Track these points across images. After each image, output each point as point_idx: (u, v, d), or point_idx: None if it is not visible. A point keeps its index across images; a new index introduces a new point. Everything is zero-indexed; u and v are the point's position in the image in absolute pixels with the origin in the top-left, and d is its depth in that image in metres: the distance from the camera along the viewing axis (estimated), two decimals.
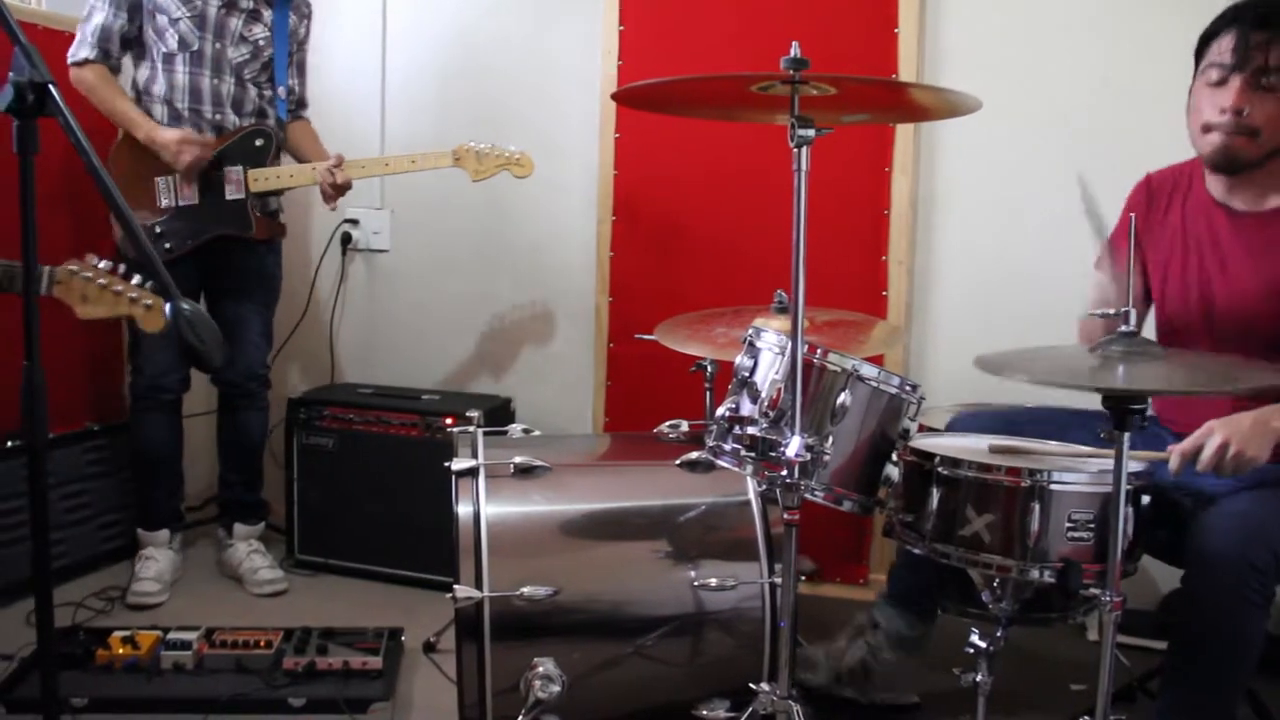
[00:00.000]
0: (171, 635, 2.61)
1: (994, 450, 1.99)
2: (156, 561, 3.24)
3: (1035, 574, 1.80)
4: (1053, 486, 1.80)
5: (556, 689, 2.03)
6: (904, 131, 3.24)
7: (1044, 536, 1.80)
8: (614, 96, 2.07)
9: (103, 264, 2.04)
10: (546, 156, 3.60)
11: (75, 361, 3.31)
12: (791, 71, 1.73)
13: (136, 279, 2.10)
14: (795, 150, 1.78)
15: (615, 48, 3.47)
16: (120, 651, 2.55)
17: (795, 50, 1.73)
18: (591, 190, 3.57)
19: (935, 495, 1.89)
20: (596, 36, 3.51)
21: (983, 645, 1.94)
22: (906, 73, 3.20)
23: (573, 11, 3.56)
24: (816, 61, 1.73)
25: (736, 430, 1.95)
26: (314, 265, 3.86)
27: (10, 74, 1.48)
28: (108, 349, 3.39)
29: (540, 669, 2.04)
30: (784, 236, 1.82)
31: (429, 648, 2.84)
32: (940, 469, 1.89)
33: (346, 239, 3.85)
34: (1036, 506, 1.79)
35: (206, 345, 1.58)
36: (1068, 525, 1.80)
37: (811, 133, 1.77)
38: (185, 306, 1.57)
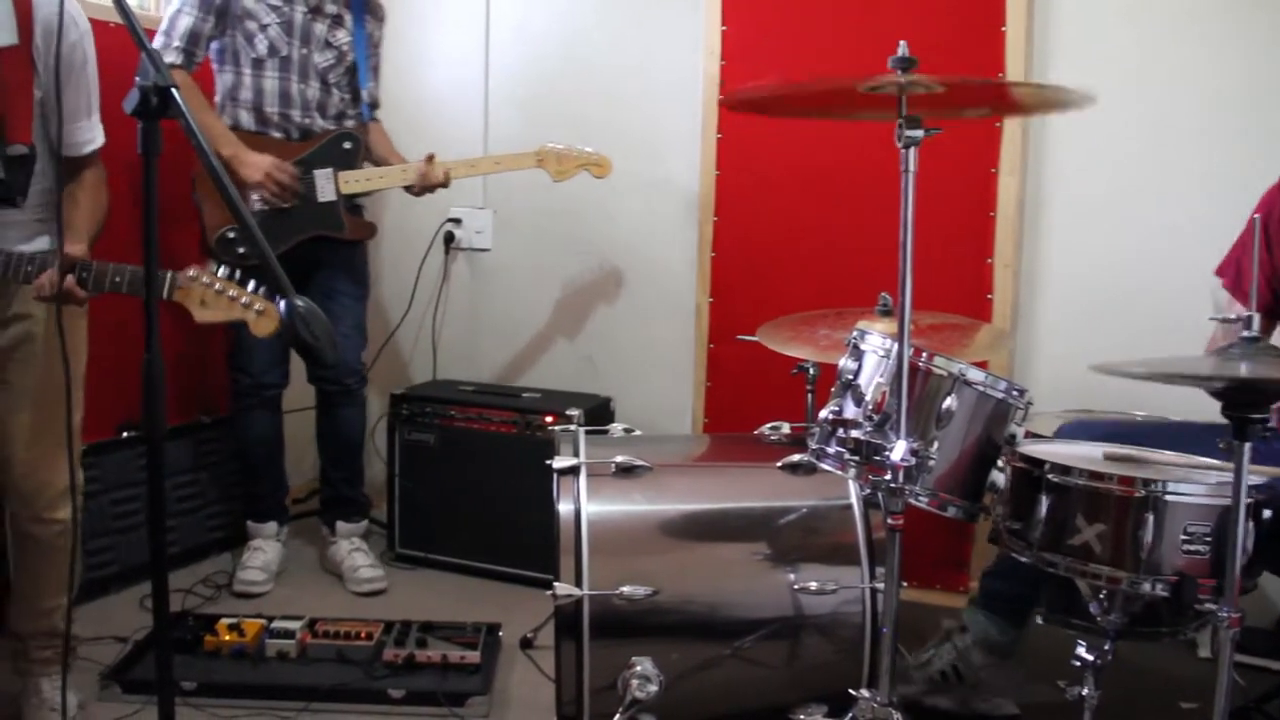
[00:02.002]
0: (276, 624, 2.69)
1: (1109, 458, 1.94)
2: (264, 552, 3.32)
3: (1147, 587, 1.76)
4: (1168, 497, 1.75)
5: (654, 688, 2.03)
6: (1011, 133, 3.17)
7: (1157, 549, 1.75)
8: (722, 102, 2.06)
9: (221, 271, 2.12)
10: (648, 156, 3.61)
11: (187, 357, 3.40)
12: (899, 71, 1.71)
13: (251, 285, 2.16)
14: (903, 151, 1.76)
15: (718, 47, 3.45)
16: (227, 638, 2.62)
17: (903, 49, 1.71)
18: (693, 190, 3.56)
19: (1044, 503, 1.85)
20: (699, 36, 3.49)
21: (1089, 658, 1.89)
22: (1014, 71, 3.13)
23: (675, 11, 3.55)
24: (923, 60, 1.70)
25: (840, 433, 1.93)
26: (417, 264, 3.91)
27: (136, 78, 1.53)
28: (216, 345, 3.47)
29: (638, 668, 2.05)
30: (887, 237, 1.80)
31: (526, 644, 2.87)
32: (1050, 476, 1.85)
33: (449, 238, 3.90)
34: (1150, 518, 1.75)
35: (320, 341, 1.60)
36: (1183, 538, 1.75)
37: (920, 133, 1.75)
38: (299, 303, 1.60)
